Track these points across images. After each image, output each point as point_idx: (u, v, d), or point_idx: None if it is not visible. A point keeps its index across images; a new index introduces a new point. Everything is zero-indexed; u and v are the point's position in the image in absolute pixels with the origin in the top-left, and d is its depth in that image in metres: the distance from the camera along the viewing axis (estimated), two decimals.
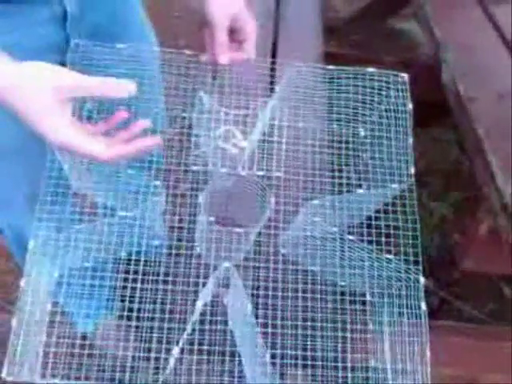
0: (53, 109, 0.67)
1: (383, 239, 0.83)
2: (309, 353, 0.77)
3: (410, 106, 0.92)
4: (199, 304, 0.76)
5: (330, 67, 0.94)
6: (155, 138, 0.73)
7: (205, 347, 0.75)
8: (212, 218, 0.84)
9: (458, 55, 1.46)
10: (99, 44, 0.89)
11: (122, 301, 0.79)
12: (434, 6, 1.69)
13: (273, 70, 0.98)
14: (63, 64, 0.92)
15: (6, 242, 1.17)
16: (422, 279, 0.79)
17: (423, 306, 0.78)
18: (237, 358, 0.76)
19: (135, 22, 1.02)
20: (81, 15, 0.88)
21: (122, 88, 0.70)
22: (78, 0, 0.87)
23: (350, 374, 0.78)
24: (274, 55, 1.51)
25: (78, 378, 0.76)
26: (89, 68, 0.87)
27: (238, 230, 0.83)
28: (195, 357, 0.76)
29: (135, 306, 0.78)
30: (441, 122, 1.96)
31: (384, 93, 0.93)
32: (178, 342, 0.74)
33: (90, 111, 0.89)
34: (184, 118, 0.94)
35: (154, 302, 0.79)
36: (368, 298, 0.82)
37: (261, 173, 0.90)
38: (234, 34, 0.90)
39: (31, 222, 0.78)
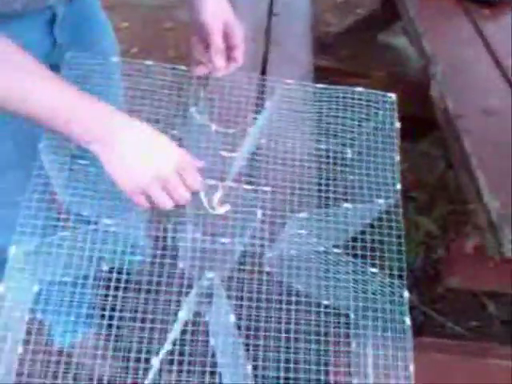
0: None
1: (368, 253, 0.83)
2: (292, 365, 0.76)
3: (398, 125, 0.94)
4: (181, 315, 0.76)
5: (320, 86, 0.95)
6: None
7: (185, 358, 0.74)
8: (198, 233, 0.84)
9: (447, 71, 1.47)
10: (92, 56, 0.90)
11: (102, 315, 0.77)
12: (424, 21, 1.71)
13: (263, 85, 0.99)
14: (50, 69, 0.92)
15: None
16: (406, 294, 0.79)
17: (407, 320, 0.78)
18: (218, 369, 0.75)
19: (99, 20, 1.06)
20: (64, 16, 0.89)
21: None
22: (64, 2, 0.88)
23: None
24: (264, 68, 1.51)
25: None
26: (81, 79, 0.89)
27: (222, 240, 0.83)
28: (175, 367, 0.74)
29: (115, 319, 0.76)
30: (428, 136, 1.97)
31: (372, 112, 0.94)
32: (157, 353, 0.73)
33: None
34: (173, 133, 0.94)
35: (135, 313, 0.78)
36: (352, 311, 0.81)
37: (248, 187, 0.90)
38: (222, 39, 0.91)
39: (10, 237, 0.77)
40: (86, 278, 0.81)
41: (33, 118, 0.75)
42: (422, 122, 1.64)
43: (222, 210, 0.86)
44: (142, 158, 0.77)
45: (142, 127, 0.78)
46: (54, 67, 0.92)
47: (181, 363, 0.75)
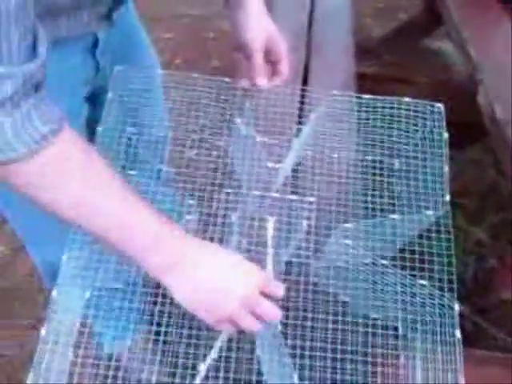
0: None
1: (417, 265, 0.82)
2: (338, 376, 0.75)
3: (446, 135, 0.92)
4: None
5: (365, 96, 0.95)
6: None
7: (231, 375, 0.75)
8: (244, 240, 0.84)
9: (495, 77, 1.44)
10: (139, 70, 0.92)
11: (150, 323, 0.79)
12: (470, 26, 1.67)
13: (307, 96, 0.99)
14: (94, 91, 0.94)
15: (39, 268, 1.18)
16: (456, 306, 0.78)
17: (458, 333, 0.76)
18: (264, 378, 0.76)
19: (141, 40, 1.06)
20: (106, 40, 0.90)
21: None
22: (106, 28, 0.89)
23: None
24: (306, 76, 1.51)
25: None
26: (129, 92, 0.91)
27: (268, 250, 0.83)
28: (221, 374, 0.75)
29: (163, 326, 0.78)
30: (477, 143, 1.92)
31: (419, 122, 0.93)
32: (204, 359, 0.74)
33: (130, 138, 0.91)
34: (219, 144, 0.95)
35: (183, 319, 0.78)
36: (400, 324, 0.80)
37: (294, 197, 0.90)
38: (266, 55, 0.91)
39: (61, 253, 0.79)
40: (135, 284, 0.83)
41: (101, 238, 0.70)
42: (470, 128, 1.61)
43: (269, 227, 0.86)
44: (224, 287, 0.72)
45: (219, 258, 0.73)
46: (99, 89, 0.94)
47: (227, 371, 0.75)
